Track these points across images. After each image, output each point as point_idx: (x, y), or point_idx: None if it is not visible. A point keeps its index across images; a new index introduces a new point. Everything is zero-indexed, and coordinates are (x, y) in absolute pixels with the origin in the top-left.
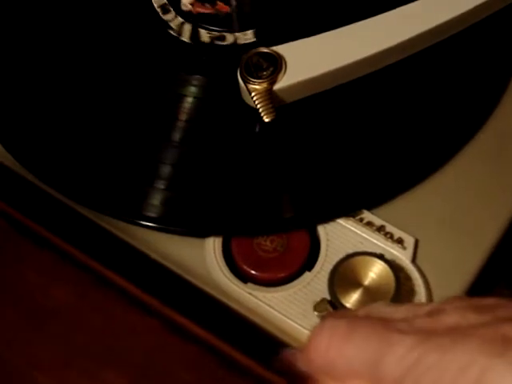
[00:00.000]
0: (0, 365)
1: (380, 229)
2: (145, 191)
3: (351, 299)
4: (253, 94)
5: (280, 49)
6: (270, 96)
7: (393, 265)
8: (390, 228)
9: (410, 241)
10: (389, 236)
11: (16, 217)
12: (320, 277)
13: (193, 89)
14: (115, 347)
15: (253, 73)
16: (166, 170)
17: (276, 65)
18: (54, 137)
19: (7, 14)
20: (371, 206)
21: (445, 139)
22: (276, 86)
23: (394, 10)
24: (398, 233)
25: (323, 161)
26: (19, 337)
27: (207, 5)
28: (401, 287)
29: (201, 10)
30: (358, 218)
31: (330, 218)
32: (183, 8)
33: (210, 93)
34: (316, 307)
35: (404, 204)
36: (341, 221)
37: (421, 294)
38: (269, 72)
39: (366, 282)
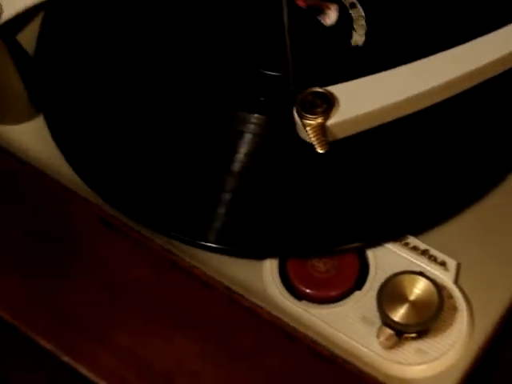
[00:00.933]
0: (84, 330)
1: (424, 252)
2: (208, 216)
3: (398, 313)
4: (307, 128)
5: (332, 89)
6: (323, 130)
7: (435, 282)
8: (433, 252)
9: (452, 264)
10: (432, 259)
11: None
12: (369, 295)
13: (252, 126)
14: (186, 316)
15: (307, 110)
16: (227, 197)
17: (329, 103)
18: (126, 167)
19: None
20: (416, 232)
21: (485, 171)
22: (329, 122)
23: (433, 55)
24: (441, 256)
25: (372, 191)
26: (103, 305)
27: None
28: (443, 303)
29: None
30: (403, 242)
31: (378, 242)
32: None
33: (266, 129)
34: (378, 335)
35: (446, 230)
36: (388, 245)
37: (463, 310)
38: (322, 109)
39: (412, 298)
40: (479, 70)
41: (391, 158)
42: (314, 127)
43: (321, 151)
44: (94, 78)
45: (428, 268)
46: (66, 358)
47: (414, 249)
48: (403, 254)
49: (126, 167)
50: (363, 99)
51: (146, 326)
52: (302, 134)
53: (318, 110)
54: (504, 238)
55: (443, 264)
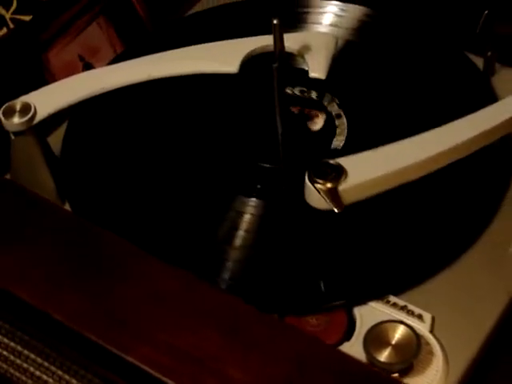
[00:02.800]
0: (125, 328)
1: (403, 308)
2: (215, 281)
3: (383, 355)
4: (321, 192)
5: (341, 160)
6: (335, 192)
7: (414, 329)
8: (411, 307)
9: (427, 316)
10: (410, 313)
11: None
12: (356, 345)
13: (250, 208)
14: (209, 316)
15: (320, 177)
16: (230, 265)
17: (338, 172)
18: (142, 242)
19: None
20: (395, 292)
21: (452, 241)
22: (340, 187)
23: (426, 132)
24: (417, 310)
25: (356, 261)
26: (142, 309)
27: None
28: (421, 348)
29: None
30: (385, 300)
31: (362, 301)
32: None
33: (263, 210)
34: None
35: (421, 289)
36: (372, 303)
37: (438, 355)
38: (332, 176)
39: (393, 342)
40: (448, 151)
41: (373, 233)
42: (325, 191)
43: (337, 211)
44: (110, 173)
45: (406, 321)
46: (111, 349)
47: (394, 305)
48: (385, 310)
49: (143, 243)
50: (368, 169)
51: (177, 324)
52: (312, 201)
53: (329, 177)
54: (471, 296)
55: (420, 317)
